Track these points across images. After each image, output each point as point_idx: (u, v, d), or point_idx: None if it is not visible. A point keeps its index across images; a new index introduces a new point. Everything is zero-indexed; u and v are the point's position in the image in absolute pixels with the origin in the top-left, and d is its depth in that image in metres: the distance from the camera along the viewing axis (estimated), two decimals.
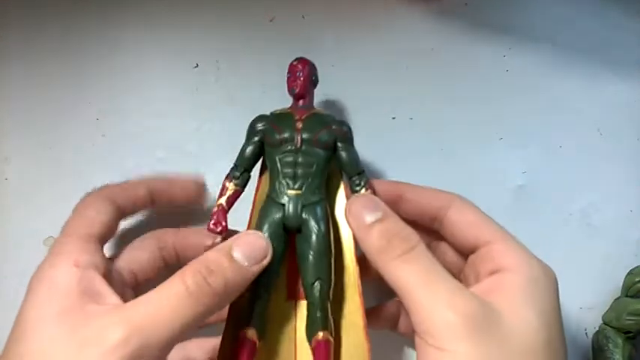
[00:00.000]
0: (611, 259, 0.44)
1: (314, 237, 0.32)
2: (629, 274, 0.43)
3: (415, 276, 0.27)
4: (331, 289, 0.33)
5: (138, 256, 0.35)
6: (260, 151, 0.35)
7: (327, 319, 0.32)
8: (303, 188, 0.33)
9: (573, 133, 0.45)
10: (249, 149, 0.35)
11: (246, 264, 0.29)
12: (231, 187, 0.35)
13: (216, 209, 0.34)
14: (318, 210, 0.33)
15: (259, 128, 0.35)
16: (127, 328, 0.25)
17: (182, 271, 0.27)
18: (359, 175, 0.35)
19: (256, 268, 0.29)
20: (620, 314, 0.41)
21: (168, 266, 0.36)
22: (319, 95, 0.43)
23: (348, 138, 0.35)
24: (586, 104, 0.46)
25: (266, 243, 0.30)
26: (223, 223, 0.33)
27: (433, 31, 0.45)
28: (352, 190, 0.35)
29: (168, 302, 0.26)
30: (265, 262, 0.30)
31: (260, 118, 0.36)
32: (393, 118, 0.45)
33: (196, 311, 0.26)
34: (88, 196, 0.35)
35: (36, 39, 0.44)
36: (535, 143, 0.45)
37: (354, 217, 0.30)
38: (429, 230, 0.35)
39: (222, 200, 0.34)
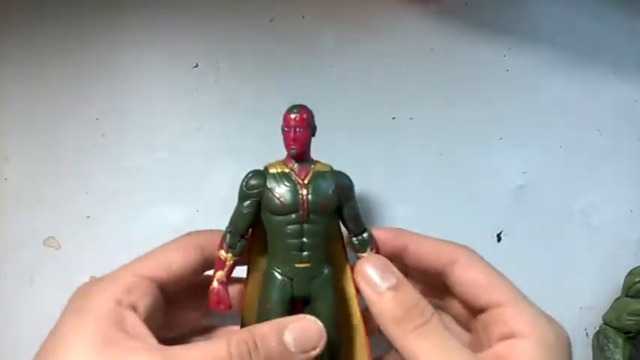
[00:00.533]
0: (611, 259, 0.44)
1: (326, 310, 0.31)
2: (629, 274, 0.43)
3: (430, 351, 0.27)
4: (341, 356, 0.32)
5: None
6: (256, 214, 0.32)
7: None
8: (311, 261, 0.31)
9: (573, 133, 0.45)
10: (244, 214, 0.32)
11: (293, 350, 0.27)
12: (229, 258, 0.32)
13: (216, 285, 0.32)
14: (327, 281, 0.32)
15: (255, 191, 0.32)
16: None
17: (230, 336, 0.27)
18: (362, 233, 0.33)
19: (303, 357, 0.28)
20: (620, 314, 0.41)
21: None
22: (319, 96, 0.43)
23: (351, 196, 0.33)
24: (586, 104, 0.46)
25: (321, 333, 0.28)
26: (226, 300, 0.31)
27: (433, 31, 0.45)
28: (356, 250, 0.33)
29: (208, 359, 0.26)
30: (314, 353, 0.28)
31: (255, 176, 0.32)
32: (393, 118, 0.45)
33: None
34: (180, 237, 0.33)
35: (36, 39, 0.44)
36: (535, 143, 0.45)
37: (366, 280, 0.30)
38: (436, 283, 0.34)
39: (222, 275, 0.32)
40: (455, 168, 0.44)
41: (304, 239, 0.31)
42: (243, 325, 0.32)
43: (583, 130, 0.46)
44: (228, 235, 0.32)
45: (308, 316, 0.29)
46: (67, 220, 0.43)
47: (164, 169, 0.43)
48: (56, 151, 0.43)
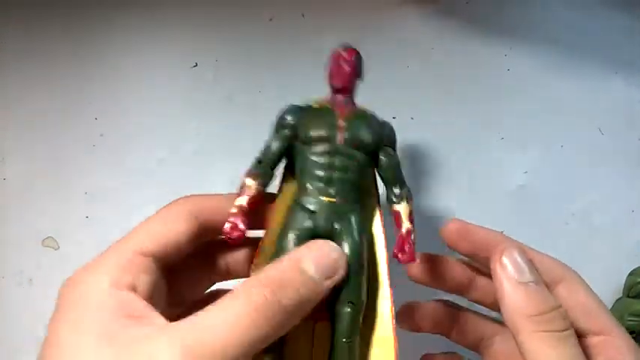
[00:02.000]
0: (612, 260, 0.44)
1: (348, 251, 0.28)
2: (630, 274, 0.43)
3: None
4: (362, 314, 0.28)
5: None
6: (289, 148, 0.30)
7: (354, 350, 0.28)
8: (338, 196, 0.29)
9: (574, 132, 0.45)
10: (277, 145, 0.30)
11: (317, 277, 0.25)
12: (254, 186, 0.29)
13: (234, 211, 0.28)
14: (353, 221, 0.29)
15: (291, 122, 0.30)
16: (179, 354, 0.21)
17: (245, 284, 0.24)
18: (400, 185, 0.31)
19: (329, 283, 0.26)
20: (621, 315, 0.40)
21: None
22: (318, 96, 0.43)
23: (392, 142, 0.31)
24: (587, 104, 0.46)
25: (339, 253, 0.27)
26: (241, 227, 0.28)
27: (433, 31, 0.45)
28: (390, 202, 0.31)
29: (230, 322, 0.22)
30: (338, 277, 0.26)
31: (293, 109, 0.31)
32: (394, 117, 0.44)
33: (263, 333, 0.22)
34: (168, 205, 0.30)
35: (34, 39, 0.44)
36: (536, 143, 0.45)
37: (505, 268, 0.27)
38: None
39: (243, 201, 0.29)
40: (455, 168, 0.44)
41: (334, 173, 0.29)
42: (258, 263, 0.29)
43: (584, 129, 0.45)
44: (256, 163, 0.30)
45: (319, 240, 0.27)
46: (66, 220, 0.43)
47: (163, 168, 0.43)
48: (55, 151, 0.43)
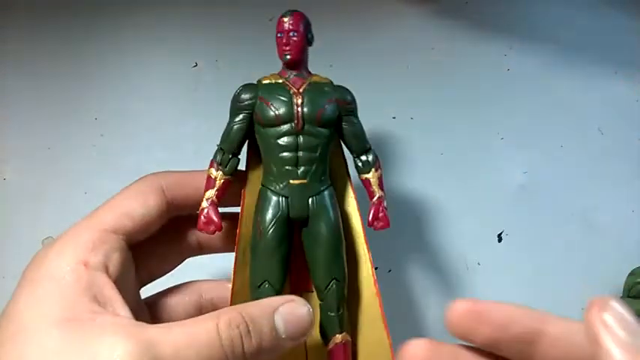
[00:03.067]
0: (612, 260, 0.44)
1: (325, 233, 0.29)
2: (630, 274, 0.42)
3: None
4: (346, 286, 0.29)
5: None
6: (249, 130, 0.30)
7: (343, 320, 0.29)
8: (308, 177, 0.29)
9: (574, 132, 0.45)
10: (236, 128, 0.29)
11: (283, 336, 0.25)
12: (219, 176, 0.29)
13: (205, 205, 0.29)
14: (327, 200, 0.29)
15: (247, 102, 0.29)
16: (144, 354, 0.21)
17: (218, 316, 0.24)
18: (366, 152, 0.31)
19: (291, 344, 0.26)
20: None
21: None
22: None
23: (352, 109, 0.31)
24: (587, 104, 0.46)
25: (311, 320, 0.26)
26: (216, 220, 0.29)
27: (433, 31, 0.45)
28: (358, 170, 0.31)
29: (195, 343, 0.23)
30: (302, 340, 0.26)
31: (246, 89, 0.30)
32: (394, 117, 0.45)
33: (216, 358, 0.23)
34: (136, 181, 0.30)
35: (35, 39, 0.44)
36: (536, 143, 0.45)
37: (609, 330, 0.21)
38: None
39: (212, 193, 0.29)
40: (455, 168, 0.44)
41: (300, 153, 0.28)
42: (237, 252, 0.29)
43: (584, 129, 0.45)
44: (218, 153, 0.30)
45: (297, 299, 0.27)
46: (66, 220, 0.42)
47: (163, 168, 0.43)
48: (55, 151, 0.43)
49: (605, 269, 0.44)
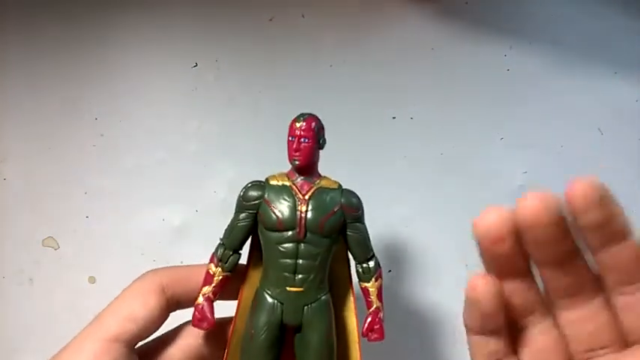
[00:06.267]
0: None
1: (316, 343, 0.29)
2: None
3: None
4: None
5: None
6: (252, 228, 0.30)
7: None
8: (305, 285, 0.29)
9: (574, 132, 0.45)
10: (239, 226, 0.30)
11: None
12: (217, 273, 0.30)
13: (201, 301, 0.29)
14: (322, 309, 0.29)
15: (253, 203, 0.30)
16: None
17: None
18: (368, 260, 0.31)
19: None
20: None
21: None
22: (319, 96, 0.43)
23: (358, 216, 0.30)
24: (587, 104, 0.46)
25: None
26: (209, 318, 0.29)
27: (433, 31, 0.45)
28: (360, 279, 0.31)
29: None
30: None
31: (254, 188, 0.30)
32: (394, 117, 0.45)
33: None
34: (137, 281, 0.30)
35: (35, 39, 0.44)
36: (536, 143, 0.45)
37: None
38: None
39: (208, 289, 0.30)
40: (455, 168, 0.44)
41: (299, 260, 0.29)
42: (229, 348, 0.30)
43: (584, 129, 0.45)
44: (220, 248, 0.30)
45: None
46: (66, 220, 0.43)
47: (163, 169, 0.43)
48: (55, 151, 0.43)
49: None
